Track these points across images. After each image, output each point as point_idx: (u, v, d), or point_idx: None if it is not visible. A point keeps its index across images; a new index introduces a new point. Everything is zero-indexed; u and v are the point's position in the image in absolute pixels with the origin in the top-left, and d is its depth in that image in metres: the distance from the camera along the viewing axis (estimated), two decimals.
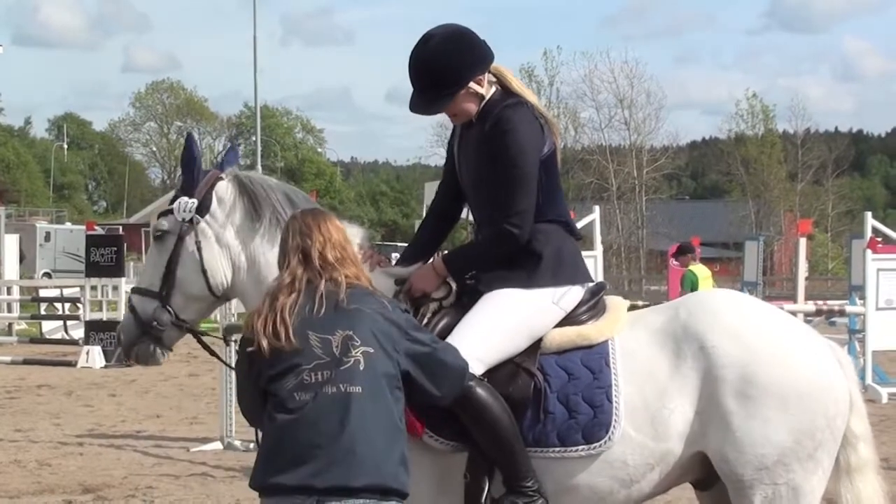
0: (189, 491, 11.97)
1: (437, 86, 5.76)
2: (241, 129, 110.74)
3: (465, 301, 5.74)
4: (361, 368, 4.81)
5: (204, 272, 5.74)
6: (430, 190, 22.20)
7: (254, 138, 61.85)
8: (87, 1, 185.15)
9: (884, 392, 19.52)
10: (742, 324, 5.69)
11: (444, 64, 5.73)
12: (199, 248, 5.75)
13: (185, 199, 5.76)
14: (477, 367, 5.47)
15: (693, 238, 27.22)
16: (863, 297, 21.59)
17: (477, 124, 5.83)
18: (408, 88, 5.84)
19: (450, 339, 5.51)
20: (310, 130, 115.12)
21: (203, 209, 5.77)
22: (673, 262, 23.10)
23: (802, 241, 24.27)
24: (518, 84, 5.91)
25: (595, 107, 75.91)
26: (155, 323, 5.75)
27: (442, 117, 6.08)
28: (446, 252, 5.97)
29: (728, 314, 5.73)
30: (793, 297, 23.53)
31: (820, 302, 25.63)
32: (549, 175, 5.80)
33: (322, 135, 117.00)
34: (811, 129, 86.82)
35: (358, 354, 4.81)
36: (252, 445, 5.85)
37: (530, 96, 5.91)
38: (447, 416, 5.44)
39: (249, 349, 4.93)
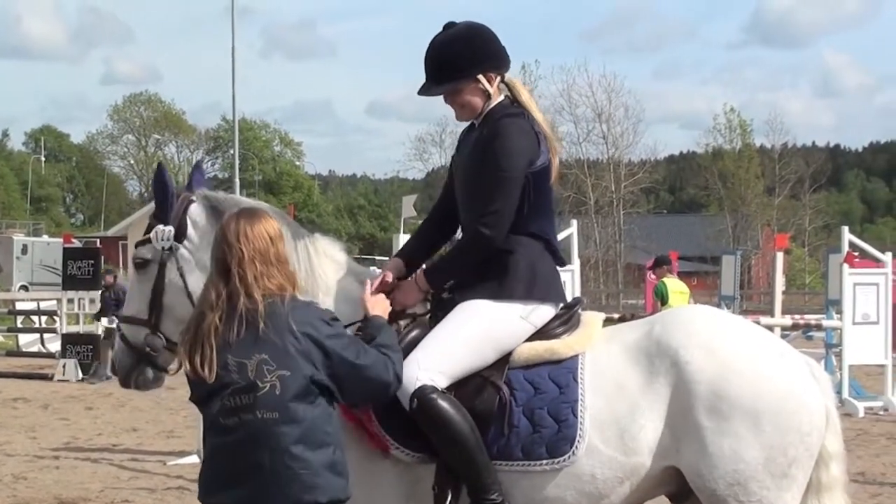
0: None
1: (445, 70, 5.86)
2: (219, 141, 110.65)
3: (438, 315, 5.76)
4: (277, 393, 4.84)
5: (189, 296, 5.69)
6: (408, 203, 22.17)
7: (232, 151, 61.73)
8: (69, 12, 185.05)
9: (860, 406, 19.57)
10: (716, 340, 5.69)
11: (454, 50, 5.85)
12: (181, 274, 5.77)
13: (162, 227, 5.78)
14: (440, 380, 5.51)
15: (671, 252, 27.29)
16: (840, 312, 21.67)
17: (477, 130, 5.90)
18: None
19: (415, 352, 5.55)
20: (288, 143, 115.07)
21: (180, 235, 5.79)
22: (650, 275, 23.18)
23: (779, 256, 24.31)
24: (527, 98, 5.98)
25: (573, 121, 76.24)
26: (148, 349, 5.78)
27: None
28: (426, 266, 5.97)
29: (702, 330, 5.74)
30: (770, 311, 23.57)
31: (797, 316, 25.72)
32: (538, 189, 5.81)
33: (300, 148, 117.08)
34: (788, 144, 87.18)
35: (273, 379, 4.84)
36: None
37: (536, 111, 5.95)
38: (415, 428, 5.46)
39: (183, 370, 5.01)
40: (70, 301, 30.03)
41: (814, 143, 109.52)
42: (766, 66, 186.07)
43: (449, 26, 5.95)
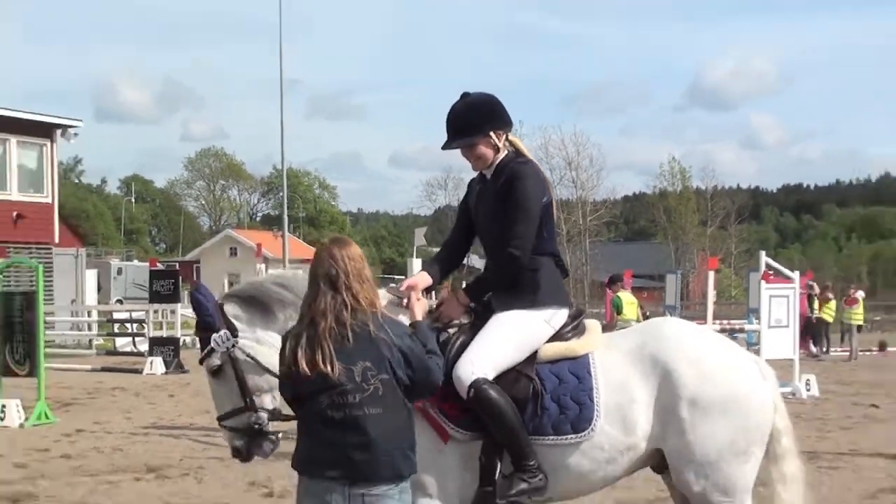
0: (231, 471, 11.99)
1: (463, 129, 5.86)
2: (271, 186, 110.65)
3: (478, 323, 5.77)
4: (380, 394, 4.77)
5: (266, 369, 5.51)
6: (419, 234, 22.33)
7: (281, 194, 61.70)
8: (154, 84, 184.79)
9: None
10: (696, 352, 5.77)
11: (470, 113, 5.86)
12: (252, 356, 5.53)
13: (217, 335, 5.50)
14: (490, 373, 5.53)
15: (626, 272, 27.27)
16: (758, 318, 21.76)
17: (493, 179, 5.90)
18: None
19: (468, 352, 5.57)
20: (325, 187, 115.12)
21: (233, 331, 5.54)
22: (608, 290, 23.21)
23: (711, 274, 24.35)
24: (526, 150, 6.04)
25: (549, 169, 76.09)
26: (258, 426, 5.52)
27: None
28: (466, 285, 5.97)
29: (686, 345, 5.81)
30: (704, 318, 23.58)
31: (725, 322, 25.75)
32: (548, 219, 5.88)
33: (335, 191, 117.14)
34: (718, 186, 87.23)
35: (377, 382, 4.76)
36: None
37: (533, 158, 6.03)
38: (467, 413, 5.48)
39: (286, 369, 4.85)
40: (155, 311, 30.01)
41: (738, 185, 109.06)
42: (702, 124, 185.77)
43: (465, 95, 5.96)
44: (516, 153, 5.98)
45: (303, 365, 4.73)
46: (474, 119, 5.86)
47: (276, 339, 5.49)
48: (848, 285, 42.68)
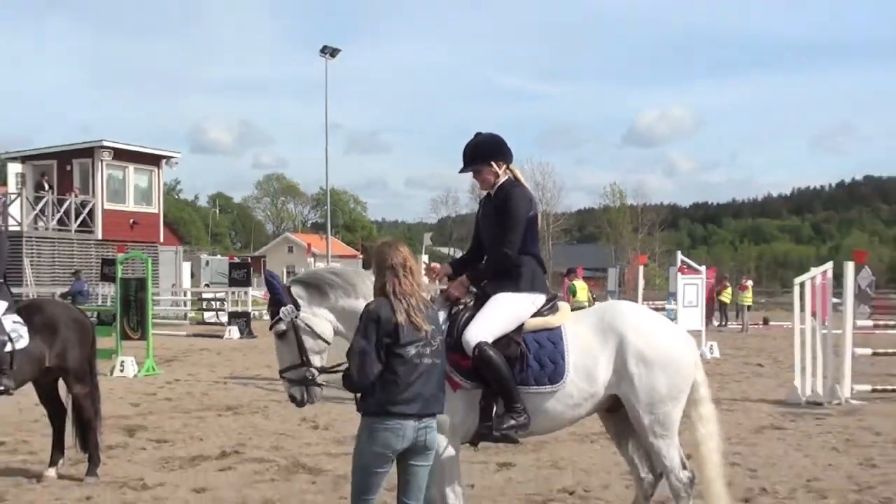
0: (288, 410, 11.99)
1: (472, 159, 5.85)
2: (319, 201, 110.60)
3: (478, 304, 5.74)
4: (440, 349, 4.84)
5: (319, 335, 5.46)
6: (427, 237, 22.35)
7: (326, 207, 61.80)
8: (234, 126, 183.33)
9: None
10: (642, 324, 5.76)
11: (478, 148, 5.84)
12: (309, 325, 5.45)
13: (284, 308, 5.43)
14: (489, 338, 5.49)
15: (579, 266, 27.27)
16: (675, 300, 21.79)
17: (494, 197, 5.87)
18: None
19: (473, 323, 5.55)
20: (358, 202, 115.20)
21: (297, 306, 5.47)
22: (565, 279, 23.23)
23: (641, 268, 24.36)
24: (521, 176, 5.99)
25: None
26: (310, 377, 5.42)
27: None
28: (468, 273, 5.91)
29: (634, 320, 5.78)
30: (635, 300, 23.63)
31: (651, 302, 25.72)
32: (533, 228, 5.84)
33: (365, 205, 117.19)
34: (647, 203, 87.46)
35: (437, 341, 4.83)
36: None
37: (526, 184, 5.99)
38: (472, 369, 5.47)
39: (380, 320, 4.71)
40: (233, 293, 30.06)
41: (661, 202, 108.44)
42: (635, 157, 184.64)
43: (478, 134, 5.94)
44: (514, 179, 5.94)
45: (412, 320, 4.72)
46: (481, 152, 5.84)
47: (326, 314, 5.48)
48: (741, 276, 42.57)
